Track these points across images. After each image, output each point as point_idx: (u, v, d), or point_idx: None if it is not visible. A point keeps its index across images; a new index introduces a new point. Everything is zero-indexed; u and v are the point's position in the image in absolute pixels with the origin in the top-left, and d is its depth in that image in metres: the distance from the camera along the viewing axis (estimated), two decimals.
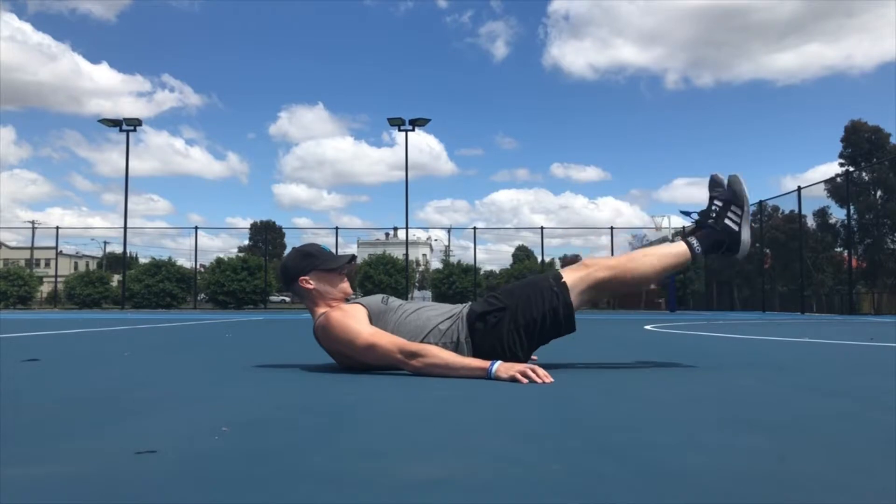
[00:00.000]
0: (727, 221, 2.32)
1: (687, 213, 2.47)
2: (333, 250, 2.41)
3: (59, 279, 30.48)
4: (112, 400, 1.61)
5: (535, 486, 0.82)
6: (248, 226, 46.76)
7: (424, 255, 66.09)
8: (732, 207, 2.33)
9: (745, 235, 2.32)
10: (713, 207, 2.36)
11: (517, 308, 2.15)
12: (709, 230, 2.33)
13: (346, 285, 2.32)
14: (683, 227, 25.61)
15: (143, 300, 25.43)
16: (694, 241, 2.31)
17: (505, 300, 2.19)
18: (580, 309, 2.24)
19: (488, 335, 2.14)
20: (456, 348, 2.13)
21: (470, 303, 2.29)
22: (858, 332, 5.75)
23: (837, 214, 20.80)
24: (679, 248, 2.29)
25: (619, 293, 2.29)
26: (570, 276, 2.22)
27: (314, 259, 2.29)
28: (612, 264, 2.26)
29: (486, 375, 1.89)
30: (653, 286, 25.26)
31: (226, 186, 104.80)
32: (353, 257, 2.39)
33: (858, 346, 3.69)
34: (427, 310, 2.24)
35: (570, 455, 0.99)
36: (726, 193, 2.35)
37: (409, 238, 27.28)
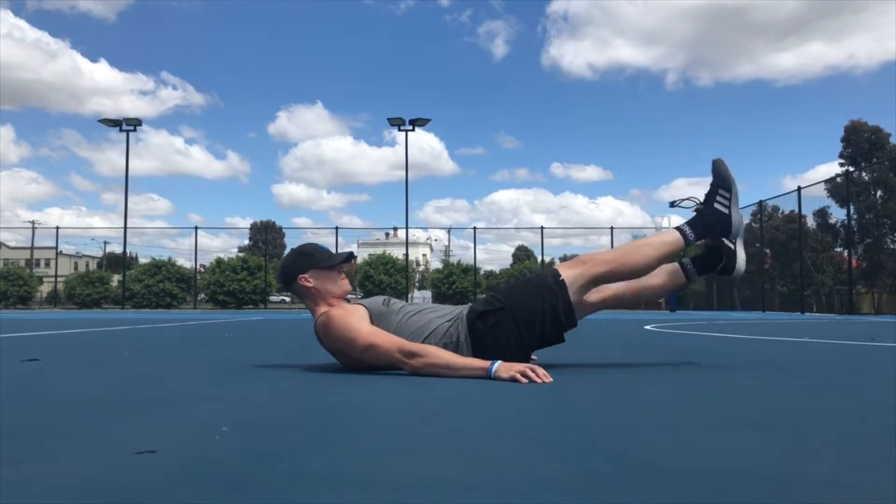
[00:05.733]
0: (717, 205, 2.34)
1: (673, 204, 2.48)
2: (333, 250, 2.42)
3: (59, 279, 30.50)
4: (112, 400, 1.61)
5: (535, 486, 0.82)
6: (248, 226, 46.79)
7: (424, 255, 66.06)
8: (720, 191, 2.35)
9: (736, 217, 2.34)
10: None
11: (516, 308, 2.16)
12: (700, 216, 2.35)
13: (345, 282, 2.32)
14: None
15: (143, 300, 25.44)
16: (686, 228, 2.33)
17: (504, 300, 2.19)
18: (580, 305, 2.24)
19: (488, 335, 2.14)
20: (456, 348, 2.13)
21: (471, 304, 2.30)
22: (858, 332, 5.75)
23: (837, 214, 20.85)
24: (672, 237, 2.31)
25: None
26: (567, 272, 2.22)
27: (312, 258, 2.29)
28: (610, 258, 2.27)
29: (486, 375, 1.89)
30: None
31: (226, 186, 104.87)
32: (351, 254, 2.39)
33: (858, 346, 3.69)
34: (428, 312, 2.24)
35: (570, 455, 0.99)
36: (713, 178, 2.37)
37: (409, 238, 27.29)
